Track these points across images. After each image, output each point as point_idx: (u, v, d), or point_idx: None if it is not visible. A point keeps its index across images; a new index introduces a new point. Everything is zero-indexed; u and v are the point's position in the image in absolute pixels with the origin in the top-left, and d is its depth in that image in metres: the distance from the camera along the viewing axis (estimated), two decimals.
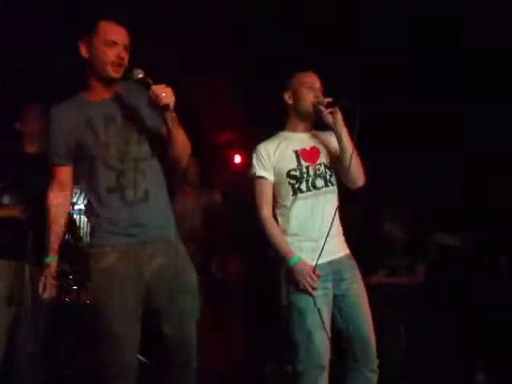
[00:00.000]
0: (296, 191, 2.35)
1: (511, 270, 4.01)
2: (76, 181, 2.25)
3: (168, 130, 2.05)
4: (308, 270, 2.24)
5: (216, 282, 4.03)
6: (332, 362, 2.27)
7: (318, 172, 2.37)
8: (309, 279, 2.23)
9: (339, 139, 2.33)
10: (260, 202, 2.38)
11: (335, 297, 2.32)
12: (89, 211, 2.18)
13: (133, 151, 2.11)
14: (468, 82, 4.05)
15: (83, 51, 2.11)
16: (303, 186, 2.35)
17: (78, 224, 4.15)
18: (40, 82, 3.96)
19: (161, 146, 2.16)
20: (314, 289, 2.24)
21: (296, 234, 2.34)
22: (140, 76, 2.02)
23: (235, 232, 4.16)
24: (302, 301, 2.26)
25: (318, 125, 2.48)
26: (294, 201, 2.35)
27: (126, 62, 2.11)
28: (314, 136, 2.47)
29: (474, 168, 4.21)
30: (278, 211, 2.40)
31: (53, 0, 3.68)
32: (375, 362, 2.30)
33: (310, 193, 2.35)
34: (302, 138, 2.44)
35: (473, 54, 3.92)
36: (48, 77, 3.99)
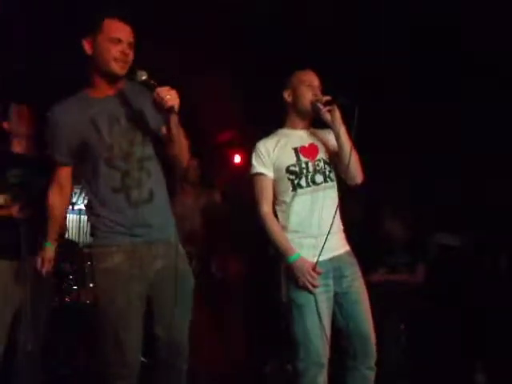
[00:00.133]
0: (296, 187, 2.35)
1: (511, 270, 4.01)
2: (76, 181, 2.25)
3: (170, 130, 2.05)
4: (308, 267, 2.24)
5: (216, 282, 4.03)
6: (331, 360, 2.27)
7: (317, 168, 2.38)
8: (309, 276, 2.24)
9: (337, 137, 2.34)
10: (260, 199, 2.38)
11: (336, 294, 2.32)
12: (90, 211, 2.17)
13: (137, 152, 2.11)
14: (468, 82, 4.05)
15: (87, 48, 2.10)
16: (303, 182, 2.35)
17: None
18: (40, 82, 3.96)
19: (162, 146, 2.16)
20: (314, 286, 2.24)
21: (296, 231, 2.34)
22: (143, 78, 2.02)
23: (235, 232, 4.16)
24: (302, 298, 2.26)
25: (316, 123, 2.48)
26: (293, 196, 2.36)
27: (130, 58, 2.11)
28: (313, 133, 2.49)
29: (474, 168, 4.21)
30: (277, 208, 2.40)
31: (53, 0, 3.68)
32: (373, 360, 2.30)
33: (309, 188, 2.35)
34: (300, 135, 2.45)
35: (473, 54, 3.92)
36: (48, 77, 3.99)
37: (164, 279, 2.11)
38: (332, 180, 2.41)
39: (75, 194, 4.88)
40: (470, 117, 4.17)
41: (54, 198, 2.23)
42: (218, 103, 4.64)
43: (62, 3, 3.64)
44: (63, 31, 3.60)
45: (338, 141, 2.34)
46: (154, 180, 2.15)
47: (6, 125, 2.89)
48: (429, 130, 4.31)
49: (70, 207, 5.22)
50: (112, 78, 2.13)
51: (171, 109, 1.96)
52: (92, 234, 2.18)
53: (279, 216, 2.39)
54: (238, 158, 5.83)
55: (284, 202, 2.38)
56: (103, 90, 2.15)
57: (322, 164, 2.39)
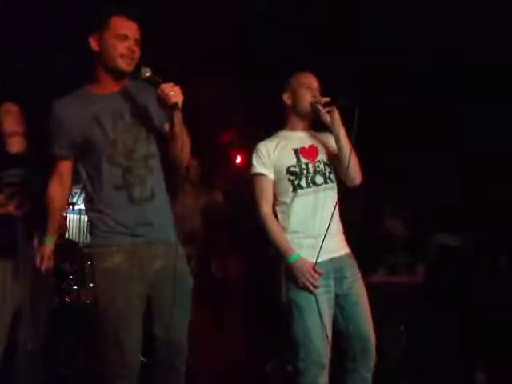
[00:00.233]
0: (296, 187, 2.36)
1: (511, 270, 4.01)
2: (76, 180, 2.24)
3: (173, 128, 2.05)
4: (308, 268, 2.24)
5: (216, 282, 4.03)
6: (332, 361, 2.27)
7: (317, 169, 2.38)
8: (309, 277, 2.24)
9: (337, 138, 2.35)
10: (260, 199, 2.38)
11: (337, 296, 2.32)
12: (90, 206, 2.15)
13: (140, 149, 2.11)
14: (468, 82, 4.05)
15: (93, 45, 2.10)
16: (303, 183, 2.36)
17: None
18: (40, 82, 3.96)
19: (164, 144, 2.16)
20: (314, 286, 2.24)
21: (296, 232, 2.34)
22: (147, 74, 2.03)
23: (235, 232, 4.17)
24: (303, 298, 2.27)
25: (316, 125, 2.49)
26: (293, 197, 2.36)
27: (137, 55, 2.11)
28: (313, 135, 2.50)
29: (474, 168, 4.21)
30: (277, 208, 2.41)
31: (53, 0, 3.68)
32: (373, 361, 2.30)
33: (309, 189, 2.36)
34: (300, 137, 2.46)
35: (473, 54, 3.92)
36: (48, 77, 3.98)
37: (163, 279, 2.10)
38: (332, 181, 2.41)
39: (75, 193, 4.87)
40: (470, 117, 4.17)
41: (54, 189, 2.21)
42: (218, 103, 4.64)
43: (61, 3, 3.64)
44: (63, 31, 3.61)
45: (338, 142, 2.35)
46: (155, 178, 2.15)
47: None
48: (429, 130, 4.31)
49: (70, 207, 5.21)
50: (118, 75, 2.13)
51: (175, 105, 1.96)
52: (91, 233, 2.16)
53: (279, 217, 2.39)
54: (238, 158, 5.84)
55: (284, 203, 2.38)
56: (108, 87, 2.15)
57: (321, 165, 2.40)
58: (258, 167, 2.40)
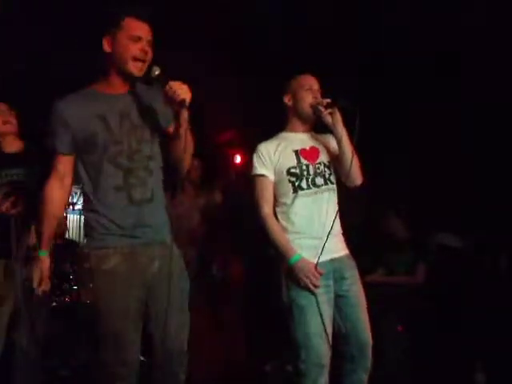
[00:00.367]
0: (296, 189, 2.36)
1: (511, 270, 4.01)
2: (76, 181, 2.23)
3: (178, 127, 2.05)
4: (310, 268, 2.25)
5: (216, 283, 4.03)
6: (331, 362, 2.28)
7: (317, 171, 2.39)
8: (311, 277, 2.24)
9: (338, 140, 2.35)
10: (260, 200, 2.39)
11: (335, 297, 2.32)
12: (88, 206, 2.13)
13: (144, 150, 2.11)
14: (468, 82, 4.05)
15: (106, 45, 2.09)
16: (303, 184, 2.36)
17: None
18: (40, 82, 3.96)
19: (166, 145, 2.16)
20: (316, 286, 2.24)
21: (297, 232, 2.35)
22: (157, 73, 2.04)
23: (236, 232, 4.16)
24: (303, 299, 2.27)
25: (318, 127, 2.49)
26: (294, 198, 2.36)
27: (149, 57, 2.10)
28: (314, 137, 2.50)
29: (474, 168, 4.21)
30: (278, 209, 2.41)
31: (53, 0, 3.68)
32: (370, 363, 2.31)
33: (310, 190, 2.36)
34: (301, 139, 2.46)
35: (473, 54, 3.92)
36: (48, 77, 3.98)
37: (160, 280, 2.10)
38: (332, 183, 2.42)
39: (75, 194, 4.86)
40: (470, 117, 4.17)
41: (53, 190, 2.13)
42: (218, 103, 4.64)
43: (61, 3, 3.64)
44: (63, 31, 3.60)
45: (339, 144, 2.35)
46: (155, 180, 2.15)
47: None
48: (429, 129, 4.31)
49: (70, 207, 5.21)
50: (127, 77, 2.13)
51: (183, 102, 1.97)
52: (87, 235, 2.13)
53: (280, 218, 2.40)
54: (238, 158, 5.84)
55: (285, 204, 2.39)
56: (116, 88, 2.14)
57: (322, 167, 2.40)
58: (259, 168, 2.40)
